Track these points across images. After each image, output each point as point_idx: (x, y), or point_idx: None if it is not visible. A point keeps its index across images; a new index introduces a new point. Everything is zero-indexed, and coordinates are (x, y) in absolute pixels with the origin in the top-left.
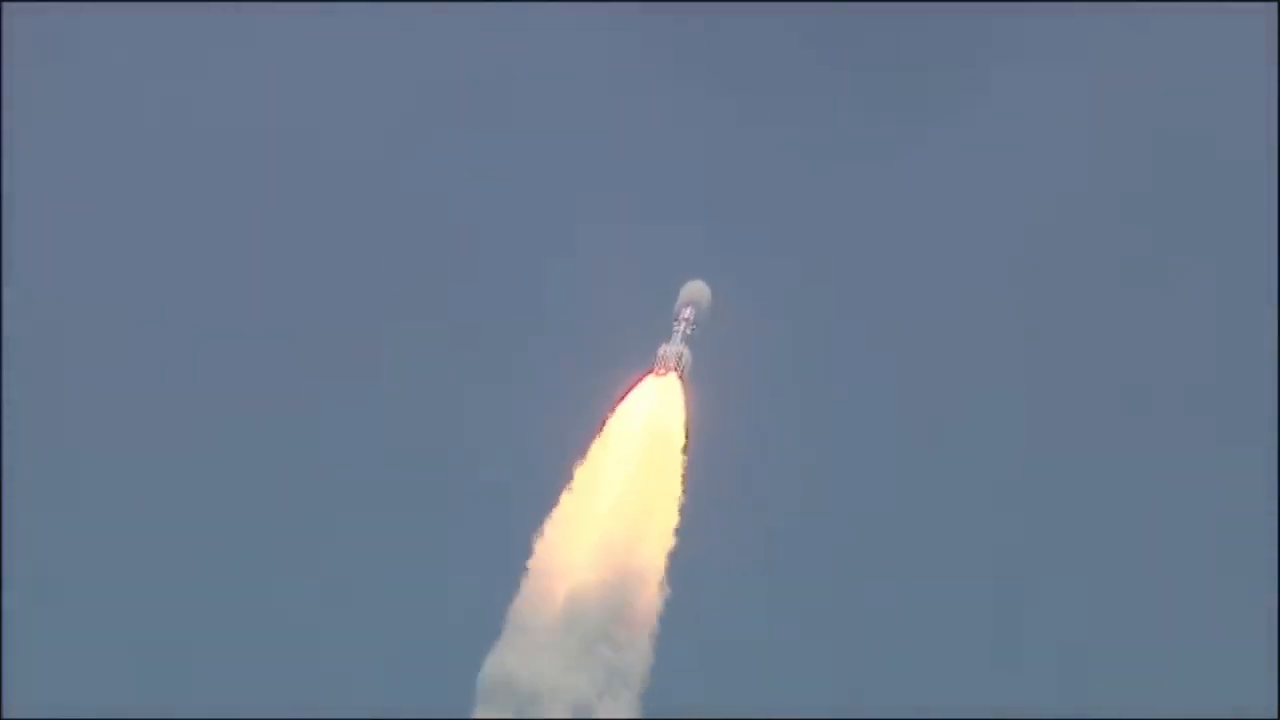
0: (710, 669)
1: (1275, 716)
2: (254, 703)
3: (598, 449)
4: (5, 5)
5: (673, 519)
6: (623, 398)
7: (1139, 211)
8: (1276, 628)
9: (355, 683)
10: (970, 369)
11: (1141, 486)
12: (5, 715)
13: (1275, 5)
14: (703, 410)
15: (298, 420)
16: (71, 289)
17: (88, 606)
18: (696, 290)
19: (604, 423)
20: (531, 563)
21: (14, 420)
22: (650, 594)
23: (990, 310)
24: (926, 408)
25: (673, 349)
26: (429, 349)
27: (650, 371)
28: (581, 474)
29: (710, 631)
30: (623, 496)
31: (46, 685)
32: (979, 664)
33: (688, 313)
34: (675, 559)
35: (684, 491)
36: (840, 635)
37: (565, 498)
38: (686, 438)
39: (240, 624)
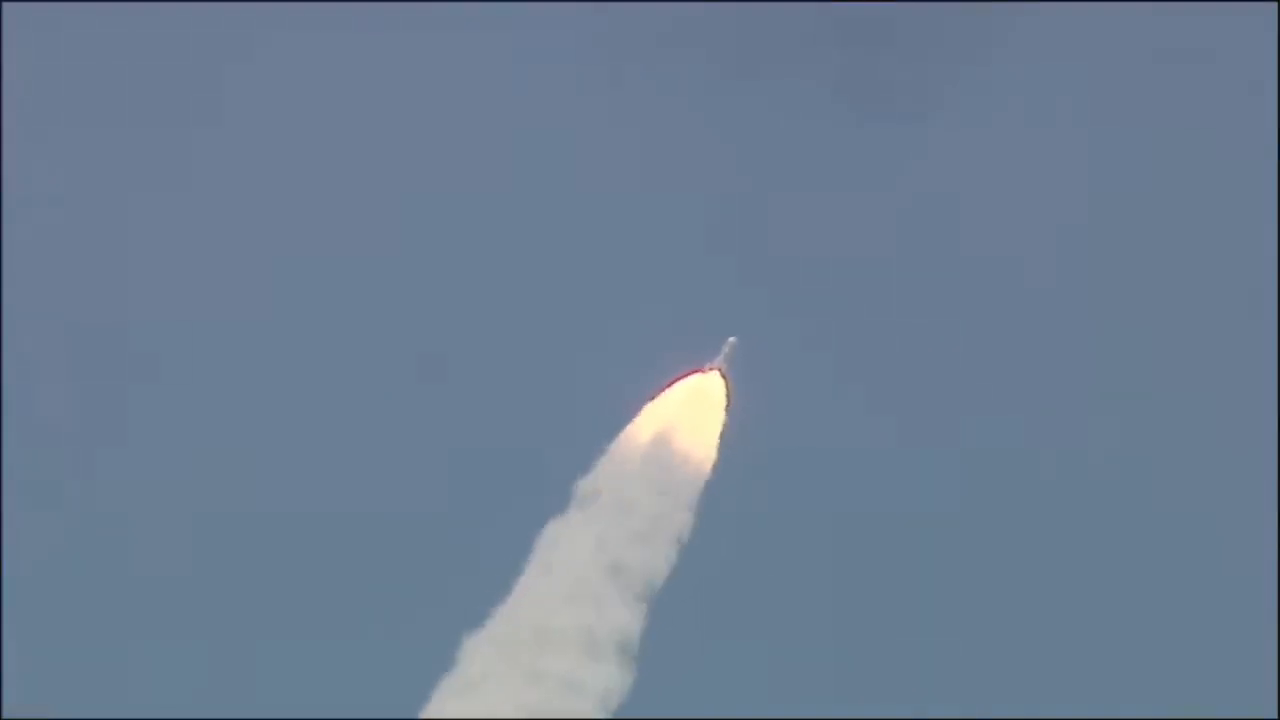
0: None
1: (1275, 717)
2: (254, 702)
3: (656, 402)
4: (5, 5)
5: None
6: (673, 383)
7: (1139, 211)
8: (1276, 628)
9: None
10: (971, 370)
11: (1142, 486)
12: (5, 715)
13: (1275, 5)
14: (741, 400)
15: (308, 419)
16: (71, 289)
17: (88, 606)
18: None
19: (664, 388)
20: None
21: (14, 420)
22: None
23: (991, 312)
24: (928, 408)
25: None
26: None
27: (697, 370)
28: (643, 414)
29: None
30: (674, 423)
31: (46, 685)
32: (980, 664)
33: (728, 347)
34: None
35: (720, 439)
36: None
37: (629, 428)
38: (726, 413)
39: (241, 622)
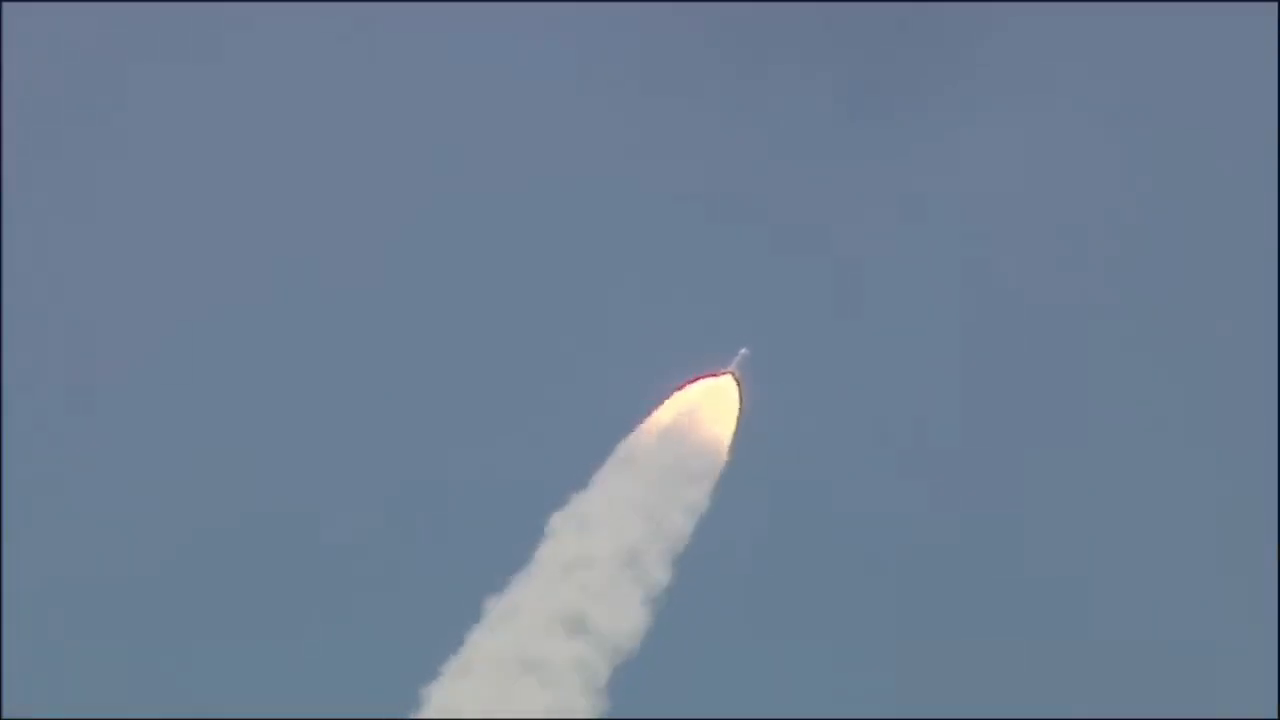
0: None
1: (1275, 717)
2: (254, 702)
3: (673, 398)
4: (5, 5)
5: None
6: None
7: (1139, 211)
8: (1276, 628)
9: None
10: (973, 371)
11: (1142, 486)
12: (5, 715)
13: (1275, 5)
14: (753, 404)
15: (306, 412)
16: (71, 289)
17: (88, 606)
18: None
19: (678, 389)
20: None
21: (14, 420)
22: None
23: (993, 313)
24: (932, 410)
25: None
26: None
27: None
28: (663, 407)
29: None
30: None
31: (46, 685)
32: (980, 663)
33: (740, 357)
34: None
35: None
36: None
37: (650, 417)
38: (739, 414)
39: (240, 623)
